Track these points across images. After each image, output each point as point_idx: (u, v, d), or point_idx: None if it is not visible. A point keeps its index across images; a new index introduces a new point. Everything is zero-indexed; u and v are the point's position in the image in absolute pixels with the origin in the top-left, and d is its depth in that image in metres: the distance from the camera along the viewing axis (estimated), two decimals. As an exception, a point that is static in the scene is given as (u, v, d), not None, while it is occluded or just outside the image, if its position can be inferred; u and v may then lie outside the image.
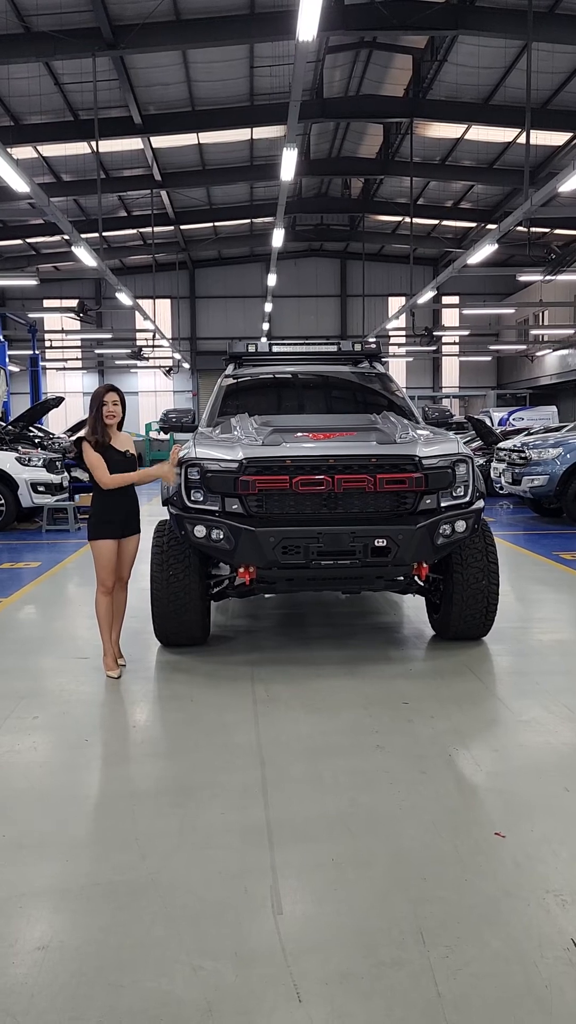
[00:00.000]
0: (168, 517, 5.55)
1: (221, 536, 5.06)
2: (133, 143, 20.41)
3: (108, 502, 5.18)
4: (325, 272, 38.79)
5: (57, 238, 24.86)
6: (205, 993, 2.35)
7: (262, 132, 20.87)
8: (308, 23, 8.33)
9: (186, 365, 36.14)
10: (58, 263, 31.41)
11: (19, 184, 11.14)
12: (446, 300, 34.02)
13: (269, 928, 2.65)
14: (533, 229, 21.66)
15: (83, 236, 15.87)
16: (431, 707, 4.59)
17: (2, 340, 22.10)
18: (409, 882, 2.89)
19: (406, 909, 2.72)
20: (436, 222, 29.25)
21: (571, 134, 19.89)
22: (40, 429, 17.47)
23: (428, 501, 5.17)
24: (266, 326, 33.99)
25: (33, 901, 2.83)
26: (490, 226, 25.85)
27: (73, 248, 15.71)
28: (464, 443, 5.99)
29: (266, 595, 6.13)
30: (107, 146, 19.94)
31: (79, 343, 34.03)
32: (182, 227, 29.41)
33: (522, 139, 17.96)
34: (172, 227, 28.84)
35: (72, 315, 23.79)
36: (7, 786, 3.70)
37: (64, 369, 36.91)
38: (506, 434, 17.82)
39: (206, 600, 5.66)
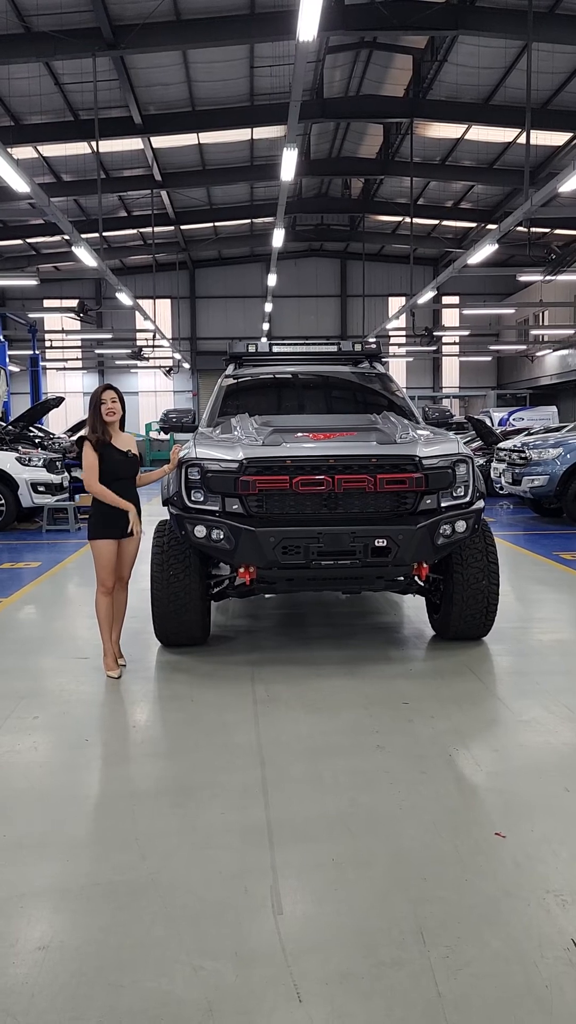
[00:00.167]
0: (168, 517, 5.55)
1: (221, 536, 5.06)
2: (133, 143, 20.42)
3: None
4: (325, 272, 38.80)
5: (57, 238, 24.86)
6: (205, 993, 2.35)
7: (262, 132, 20.88)
8: (308, 23, 8.34)
9: (186, 365, 36.15)
10: (58, 263, 31.42)
11: (19, 184, 11.15)
12: (446, 300, 34.03)
13: (269, 928, 2.65)
14: (533, 229, 21.65)
15: (83, 236, 15.88)
16: (431, 707, 4.59)
17: (2, 340, 22.11)
18: (409, 882, 2.89)
19: (406, 909, 2.72)
20: (436, 222, 29.25)
21: (571, 134, 19.89)
22: (40, 429, 17.48)
23: (428, 501, 5.17)
24: (266, 326, 34.01)
25: (33, 901, 2.83)
26: (490, 226, 25.86)
27: (73, 248, 15.72)
28: (464, 443, 5.99)
29: (266, 595, 6.13)
30: (107, 146, 19.94)
31: (79, 343, 34.04)
32: (182, 227, 29.42)
33: (522, 139, 17.97)
34: (172, 227, 28.85)
35: (72, 315, 23.80)
36: (7, 786, 3.70)
37: (64, 369, 36.92)
38: (506, 434, 17.82)
39: (206, 600, 5.66)
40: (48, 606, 7.65)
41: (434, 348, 33.92)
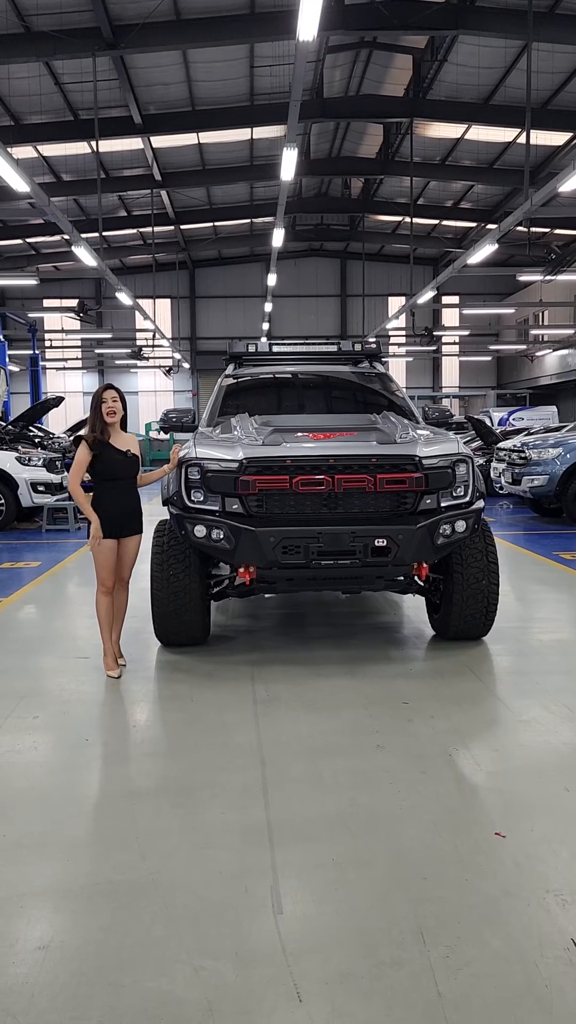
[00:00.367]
0: (168, 517, 5.55)
1: (221, 536, 5.06)
2: (133, 143, 20.41)
3: (105, 500, 5.18)
4: (325, 272, 38.80)
5: (57, 238, 24.87)
6: (205, 993, 2.35)
7: (262, 132, 20.87)
8: (308, 23, 8.33)
9: (186, 365, 36.15)
10: (58, 263, 31.42)
11: (19, 184, 11.15)
12: (446, 300, 34.04)
13: (269, 928, 2.65)
14: (533, 229, 21.67)
15: (83, 236, 15.88)
16: (431, 707, 4.59)
17: (2, 340, 22.10)
18: (409, 882, 2.89)
19: (406, 909, 2.73)
20: (436, 222, 29.25)
21: (571, 134, 19.90)
22: (40, 429, 17.48)
23: (428, 501, 5.17)
24: (266, 326, 34.00)
25: (33, 901, 2.83)
26: (490, 226, 25.86)
27: (73, 248, 15.72)
28: (464, 443, 5.99)
29: (266, 595, 6.13)
30: (107, 146, 19.95)
31: (79, 343, 34.06)
32: (182, 227, 29.42)
33: (522, 139, 17.97)
34: (172, 227, 28.85)
35: (72, 315, 23.81)
36: (7, 786, 3.70)
37: (64, 369, 36.93)
38: (506, 434, 17.81)
39: (206, 600, 5.66)
40: (48, 606, 7.65)
41: (434, 348, 33.93)
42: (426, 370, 40.03)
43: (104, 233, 23.02)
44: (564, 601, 7.50)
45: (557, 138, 20.23)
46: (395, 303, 36.47)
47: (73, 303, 24.90)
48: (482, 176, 23.41)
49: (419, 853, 3.07)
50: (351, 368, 7.51)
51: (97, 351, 33.95)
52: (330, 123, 22.14)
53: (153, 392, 39.30)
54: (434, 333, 29.79)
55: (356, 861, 3.03)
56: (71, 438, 16.22)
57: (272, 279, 25.84)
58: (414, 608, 6.86)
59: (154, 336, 28.94)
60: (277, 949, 2.54)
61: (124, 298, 20.95)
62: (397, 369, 38.27)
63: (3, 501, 12.45)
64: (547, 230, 26.69)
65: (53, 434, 17.70)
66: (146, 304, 27.68)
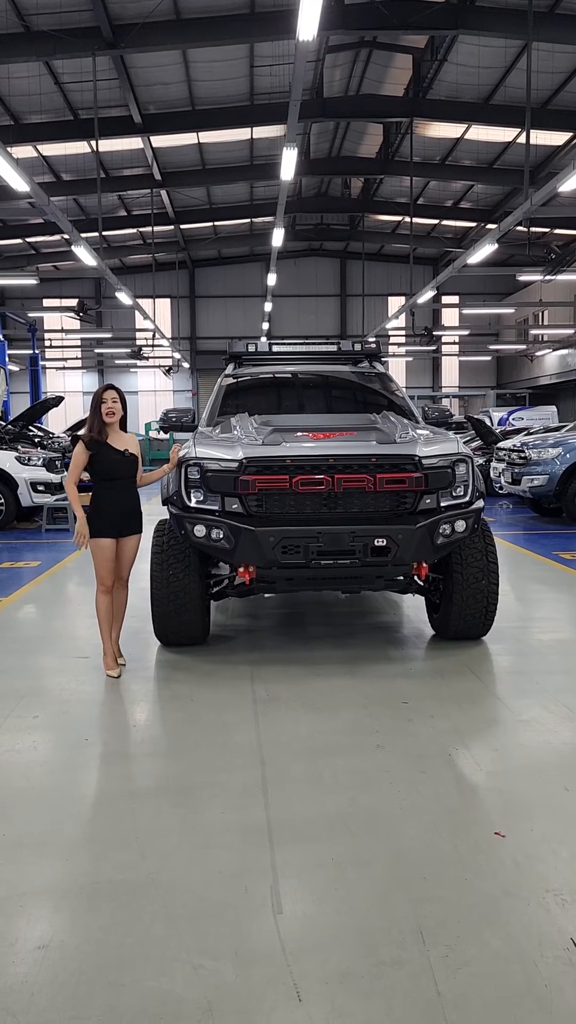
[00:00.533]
0: (168, 517, 5.55)
1: (221, 536, 5.06)
2: (133, 142, 20.41)
3: (103, 499, 5.18)
4: (325, 272, 38.80)
5: (57, 237, 24.86)
6: (205, 992, 2.35)
7: (262, 132, 20.87)
8: (308, 23, 8.33)
9: (186, 365, 36.15)
10: (58, 262, 31.42)
11: (19, 183, 11.15)
12: (446, 300, 34.05)
13: (269, 928, 2.65)
14: (533, 229, 21.67)
15: (83, 235, 15.87)
16: (431, 707, 4.59)
17: (2, 339, 22.11)
18: (409, 882, 2.89)
19: (406, 909, 2.73)
20: (436, 222, 29.26)
21: (571, 134, 19.89)
22: (40, 428, 17.47)
23: (428, 501, 5.17)
24: (266, 326, 34.00)
25: (33, 900, 2.83)
26: (490, 226, 25.87)
27: (73, 247, 15.71)
28: (464, 443, 5.99)
29: (266, 595, 6.13)
30: (107, 145, 19.95)
31: (79, 342, 34.05)
32: (182, 227, 29.42)
33: (522, 139, 17.97)
34: (172, 227, 28.85)
35: (72, 314, 23.80)
36: (7, 785, 3.70)
37: (64, 369, 36.92)
38: (506, 434, 17.81)
39: (206, 600, 5.67)
40: (48, 605, 7.65)
41: (434, 348, 33.92)
42: (426, 370, 40.03)
43: (104, 233, 23.03)
44: (564, 601, 7.50)
45: (557, 138, 20.23)
46: (395, 303, 36.47)
47: (73, 303, 24.90)
48: (482, 176, 23.41)
49: (419, 853, 3.07)
50: (351, 368, 7.51)
51: (97, 351, 33.95)
52: (330, 123, 22.14)
53: (153, 392, 39.30)
54: (434, 333, 29.80)
55: (356, 861, 3.03)
56: (70, 438, 16.22)
57: (272, 279, 25.84)
58: (414, 608, 6.86)
59: (154, 336, 28.94)
60: (277, 949, 2.54)
61: (124, 298, 20.94)
62: (397, 369, 38.27)
63: (3, 501, 12.45)
64: (547, 230, 26.69)
65: (53, 434, 17.70)
66: (146, 304, 27.67)
